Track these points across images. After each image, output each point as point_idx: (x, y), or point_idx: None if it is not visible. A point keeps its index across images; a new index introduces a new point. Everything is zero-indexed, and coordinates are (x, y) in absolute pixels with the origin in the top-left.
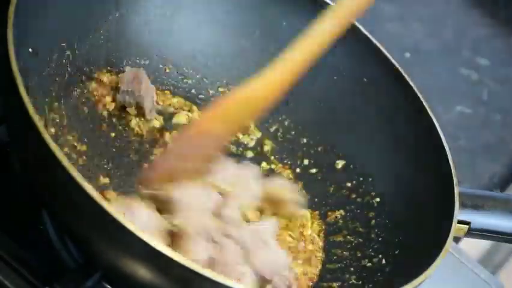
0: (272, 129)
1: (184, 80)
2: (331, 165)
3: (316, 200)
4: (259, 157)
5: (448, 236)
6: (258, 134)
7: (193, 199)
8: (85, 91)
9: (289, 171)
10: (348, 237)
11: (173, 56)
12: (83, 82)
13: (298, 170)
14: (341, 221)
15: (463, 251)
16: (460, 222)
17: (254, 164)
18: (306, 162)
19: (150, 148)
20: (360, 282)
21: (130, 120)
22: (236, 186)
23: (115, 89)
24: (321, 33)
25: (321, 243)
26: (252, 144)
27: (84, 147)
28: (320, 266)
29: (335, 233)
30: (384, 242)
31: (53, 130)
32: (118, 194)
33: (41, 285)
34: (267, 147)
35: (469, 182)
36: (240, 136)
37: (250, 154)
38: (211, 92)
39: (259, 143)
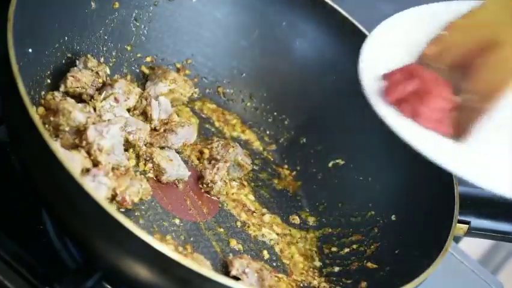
0: (272, 130)
1: None
2: (331, 165)
3: (316, 199)
4: (259, 157)
5: (448, 236)
6: (254, 135)
7: None
8: None
9: (289, 171)
10: (349, 237)
11: (173, 56)
12: None
13: (298, 169)
14: (341, 221)
15: (463, 251)
16: (460, 221)
17: (253, 164)
18: (306, 162)
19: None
20: (360, 281)
21: None
22: None
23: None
24: None
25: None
26: (252, 144)
27: None
28: (318, 265)
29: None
30: (384, 242)
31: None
32: None
33: (41, 285)
34: (267, 147)
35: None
36: (241, 136)
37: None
38: (210, 91)
39: (260, 143)
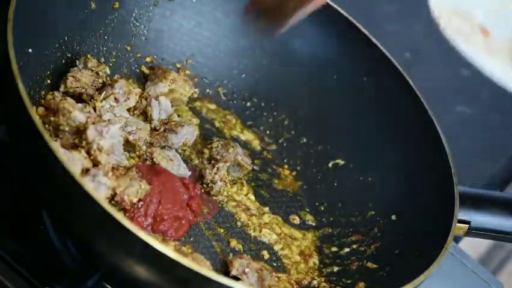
0: (272, 130)
1: None
2: (331, 165)
3: (316, 199)
4: (259, 157)
5: (448, 236)
6: (254, 135)
7: None
8: None
9: (289, 171)
10: (349, 237)
11: (173, 56)
12: None
13: (298, 169)
14: (341, 221)
15: (463, 251)
16: (460, 221)
17: (253, 164)
18: (306, 162)
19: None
20: (360, 281)
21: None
22: None
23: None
24: None
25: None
26: (252, 144)
27: None
28: (318, 265)
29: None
30: (384, 242)
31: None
32: None
33: (41, 285)
34: (267, 147)
35: (469, 182)
36: (241, 136)
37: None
38: (210, 91)
39: (260, 143)
